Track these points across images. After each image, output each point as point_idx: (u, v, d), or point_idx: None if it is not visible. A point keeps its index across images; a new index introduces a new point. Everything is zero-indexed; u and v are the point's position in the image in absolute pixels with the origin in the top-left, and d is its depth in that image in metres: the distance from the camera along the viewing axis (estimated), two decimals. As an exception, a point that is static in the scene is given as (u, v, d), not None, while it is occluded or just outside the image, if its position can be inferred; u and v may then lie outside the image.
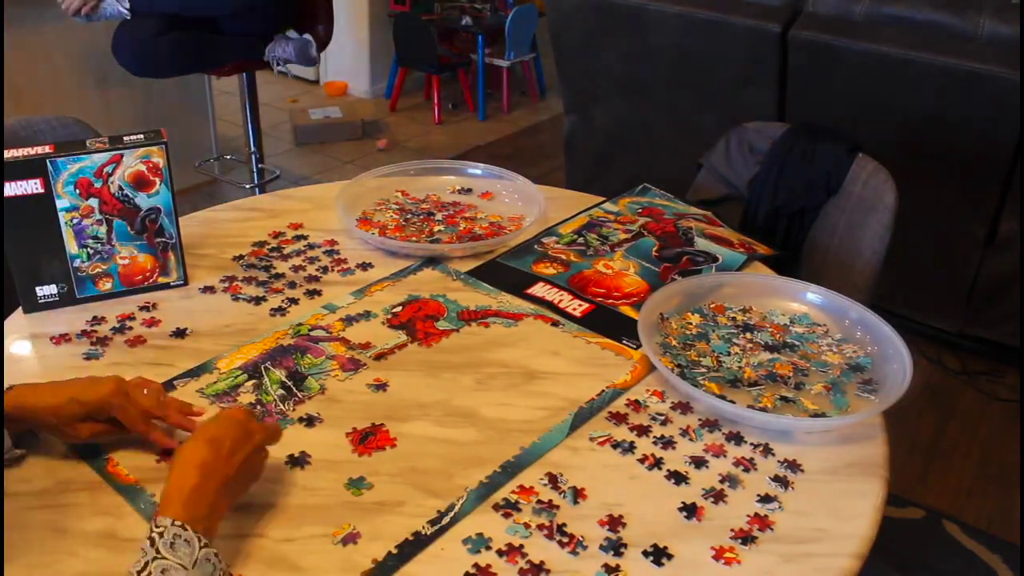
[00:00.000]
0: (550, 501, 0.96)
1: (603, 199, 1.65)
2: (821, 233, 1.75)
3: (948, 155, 2.46)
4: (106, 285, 1.32)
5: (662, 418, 1.10)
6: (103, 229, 1.28)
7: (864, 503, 0.98)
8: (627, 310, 1.32)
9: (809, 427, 1.08)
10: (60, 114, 1.77)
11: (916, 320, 2.70)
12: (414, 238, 1.49)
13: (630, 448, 1.05)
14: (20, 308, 1.28)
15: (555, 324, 1.28)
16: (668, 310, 1.28)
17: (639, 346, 1.21)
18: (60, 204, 1.24)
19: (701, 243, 1.48)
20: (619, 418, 1.09)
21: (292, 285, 1.37)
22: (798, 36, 2.55)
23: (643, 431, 1.07)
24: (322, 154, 4.25)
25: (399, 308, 1.31)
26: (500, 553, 0.90)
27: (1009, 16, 2.35)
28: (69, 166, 1.22)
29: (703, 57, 2.79)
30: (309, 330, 1.25)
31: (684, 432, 1.07)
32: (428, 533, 0.92)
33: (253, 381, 1.14)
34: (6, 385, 0.97)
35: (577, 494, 0.97)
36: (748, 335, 1.25)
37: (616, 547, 0.91)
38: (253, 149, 3.39)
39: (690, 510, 0.96)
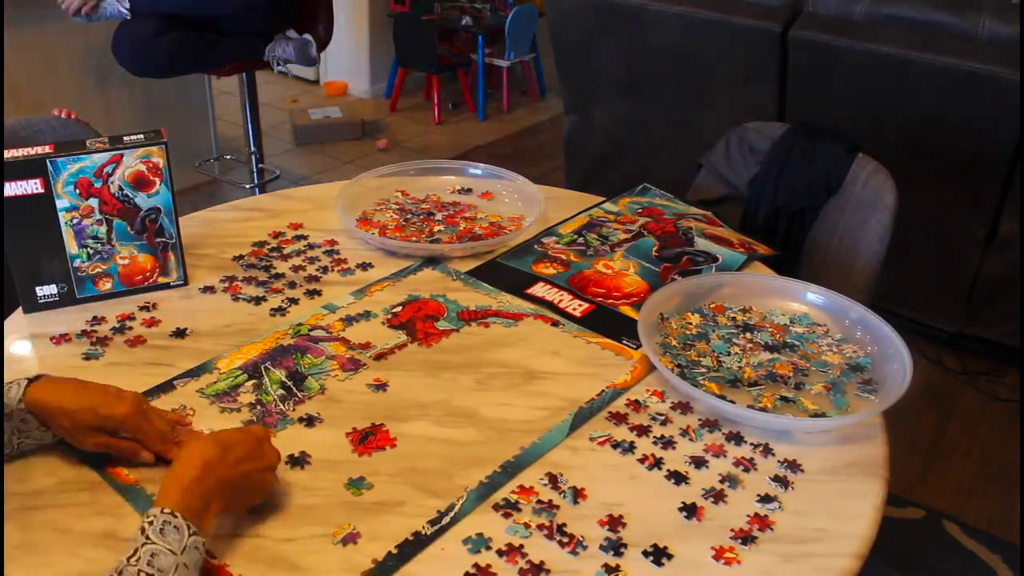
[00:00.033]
0: (550, 501, 0.96)
1: (603, 199, 1.65)
2: (821, 233, 1.75)
3: (948, 155, 2.46)
4: (106, 285, 1.32)
5: (662, 418, 1.10)
6: (103, 229, 1.28)
7: (864, 503, 0.98)
8: (627, 310, 1.32)
9: (809, 427, 1.08)
10: (59, 107, 1.77)
11: (916, 320, 2.70)
12: (414, 238, 1.49)
13: (630, 448, 1.05)
14: (20, 308, 1.28)
15: (555, 324, 1.28)
16: (668, 310, 1.28)
17: (639, 346, 1.21)
18: (60, 204, 1.24)
19: (701, 243, 1.48)
20: (619, 418, 1.09)
21: (292, 285, 1.37)
22: (798, 36, 2.55)
23: (643, 431, 1.07)
24: (322, 154, 4.25)
25: (399, 308, 1.31)
26: (500, 553, 0.90)
27: (1009, 16, 2.35)
28: (69, 166, 1.22)
29: (703, 57, 2.79)
30: (309, 330, 1.25)
31: (684, 432, 1.07)
32: (428, 533, 0.92)
33: (253, 381, 1.14)
34: (35, 373, 0.98)
35: (577, 494, 0.97)
36: (748, 335, 1.25)
37: (616, 547, 0.91)
38: (253, 149, 3.39)
39: (690, 510, 0.96)
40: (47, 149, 1.22)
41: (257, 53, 3.01)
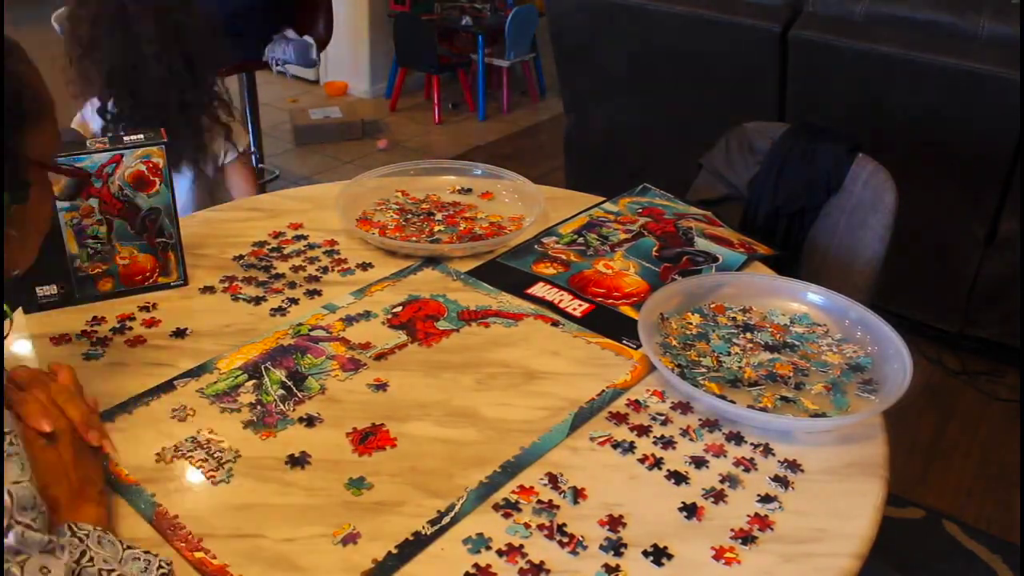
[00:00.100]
0: (550, 501, 0.96)
1: (603, 199, 1.65)
2: (821, 233, 1.76)
3: (948, 155, 2.46)
4: (106, 285, 1.32)
5: (662, 418, 1.10)
6: (103, 229, 1.28)
7: (864, 503, 0.98)
8: (627, 310, 1.32)
9: (809, 427, 1.08)
10: (60, 114, 1.77)
11: (916, 320, 2.70)
12: (414, 238, 1.49)
13: (630, 448, 1.05)
14: (20, 308, 1.28)
15: (555, 324, 1.28)
16: (668, 310, 1.28)
17: (639, 346, 1.21)
18: (60, 204, 1.24)
19: (701, 243, 1.48)
20: (619, 418, 1.09)
21: (292, 285, 1.37)
22: (798, 36, 2.55)
23: (643, 431, 1.07)
24: (322, 154, 4.25)
25: (399, 308, 1.31)
26: (500, 553, 0.90)
27: (1009, 16, 2.35)
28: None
29: (703, 57, 2.79)
30: (309, 330, 1.25)
31: (684, 432, 1.07)
32: (428, 533, 0.92)
33: (253, 381, 1.14)
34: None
35: (577, 494, 0.97)
36: (748, 335, 1.25)
37: (616, 547, 0.91)
38: (253, 149, 3.39)
39: (690, 510, 0.96)
40: (47, 149, 1.22)
41: (257, 53, 3.01)
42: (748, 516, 0.95)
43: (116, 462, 0.99)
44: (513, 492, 0.97)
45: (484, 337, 1.25)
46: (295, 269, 1.41)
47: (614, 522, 0.94)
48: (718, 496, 0.98)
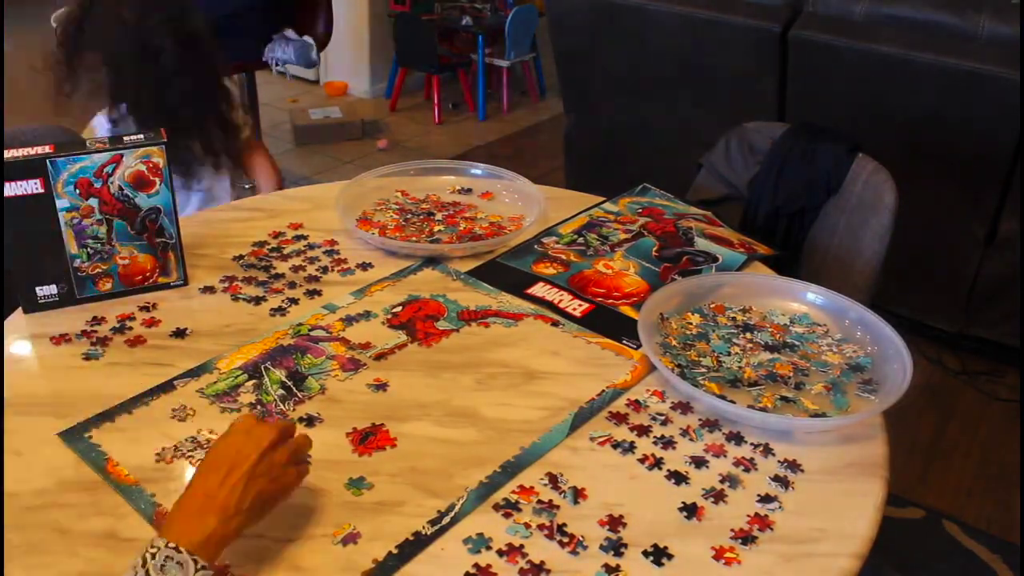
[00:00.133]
0: (550, 501, 0.96)
1: (603, 199, 1.65)
2: (821, 233, 1.76)
3: (948, 155, 2.46)
4: (106, 285, 1.32)
5: (662, 418, 1.10)
6: (103, 229, 1.28)
7: (864, 503, 0.98)
8: (627, 310, 1.32)
9: (809, 427, 1.08)
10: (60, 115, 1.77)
11: (916, 320, 2.70)
12: (414, 238, 1.49)
13: (630, 448, 1.05)
14: (20, 308, 1.28)
15: (555, 324, 1.28)
16: (668, 310, 1.28)
17: (639, 346, 1.21)
18: (60, 204, 1.24)
19: (701, 243, 1.48)
20: (619, 418, 1.09)
21: (292, 285, 1.37)
22: (798, 36, 2.55)
23: (643, 431, 1.07)
24: (322, 154, 4.25)
25: (399, 308, 1.31)
26: (500, 553, 0.90)
27: (1009, 16, 2.35)
28: (69, 166, 1.22)
29: (703, 57, 2.79)
30: (309, 330, 1.25)
31: (684, 432, 1.07)
32: (428, 533, 0.92)
33: (253, 381, 1.14)
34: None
35: (577, 494, 0.97)
36: (748, 335, 1.25)
37: (616, 547, 0.91)
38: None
39: (690, 510, 0.96)
40: (47, 149, 1.22)
41: (256, 54, 3.01)
42: (748, 516, 0.95)
43: (116, 462, 0.99)
44: (513, 492, 0.97)
45: (484, 337, 1.25)
46: (295, 269, 1.41)
47: (614, 522, 0.94)
48: (718, 496, 0.98)
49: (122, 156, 1.25)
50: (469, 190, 1.67)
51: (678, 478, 1.00)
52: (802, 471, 1.02)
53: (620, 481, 1.00)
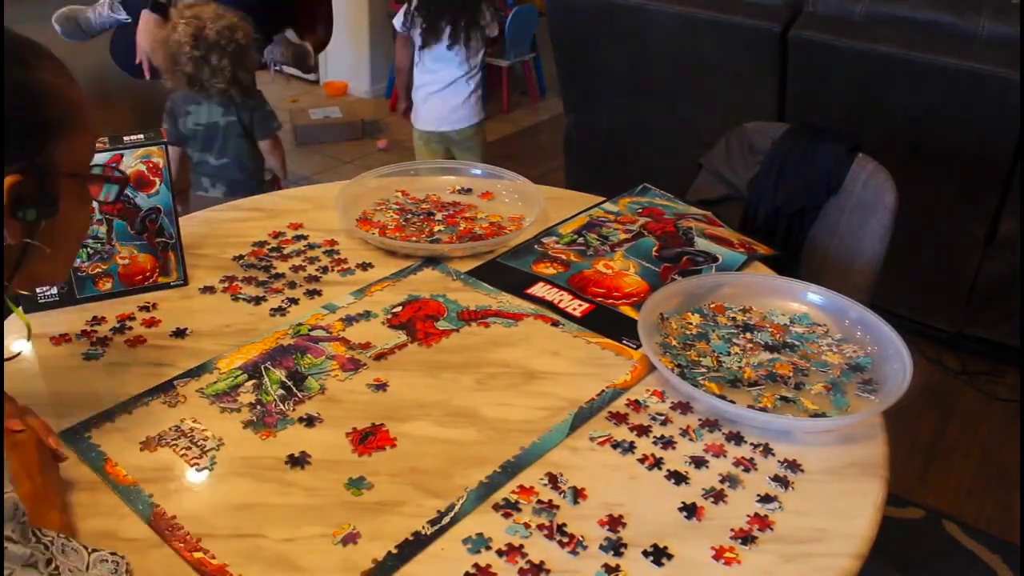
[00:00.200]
0: (550, 501, 0.96)
1: (603, 199, 1.65)
2: (821, 233, 1.75)
3: (948, 155, 2.46)
4: (106, 285, 1.32)
5: (662, 418, 1.10)
6: (103, 229, 1.28)
7: (864, 503, 0.98)
8: (627, 310, 1.32)
9: (809, 427, 1.08)
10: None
11: (916, 320, 2.70)
12: (414, 238, 1.49)
13: (630, 448, 1.05)
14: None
15: (555, 324, 1.28)
16: (668, 310, 1.28)
17: (639, 346, 1.21)
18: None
19: (701, 243, 1.48)
20: (619, 418, 1.09)
21: (292, 285, 1.37)
22: (798, 36, 2.55)
23: (643, 431, 1.07)
24: (322, 154, 4.24)
25: (399, 308, 1.31)
26: (500, 553, 0.90)
27: (1009, 16, 2.35)
28: (69, 166, 1.22)
29: (703, 57, 2.79)
30: (309, 330, 1.25)
31: (684, 432, 1.07)
32: (428, 533, 0.92)
33: (253, 381, 1.14)
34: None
35: (577, 494, 0.97)
36: (748, 335, 1.25)
37: (616, 547, 0.91)
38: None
39: (690, 510, 0.96)
40: (47, 149, 1.22)
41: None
42: (748, 516, 0.95)
43: (115, 462, 0.99)
44: (513, 492, 0.97)
45: (484, 337, 1.25)
46: (295, 269, 1.41)
47: (614, 522, 0.94)
48: (718, 496, 0.98)
49: (122, 156, 1.25)
50: (469, 190, 1.67)
51: (678, 478, 1.00)
52: (802, 471, 1.02)
53: (620, 481, 1.00)
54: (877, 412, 1.08)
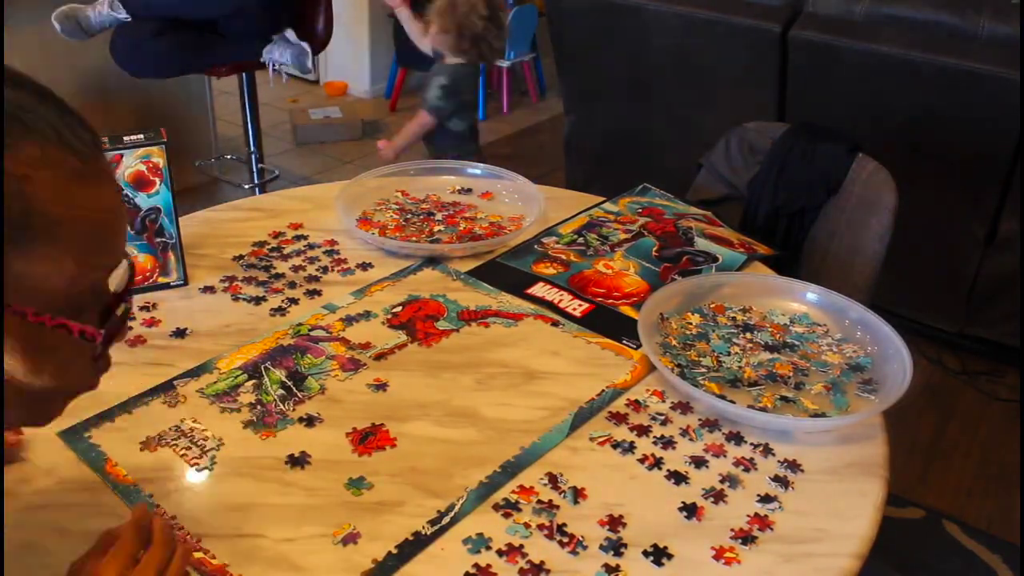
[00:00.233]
0: (550, 501, 0.96)
1: (603, 199, 1.65)
2: (821, 233, 1.76)
3: (948, 155, 2.46)
4: (106, 285, 1.31)
5: (662, 418, 1.10)
6: (103, 229, 1.28)
7: (864, 503, 0.98)
8: (627, 310, 1.32)
9: (809, 427, 1.08)
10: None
11: (916, 320, 2.70)
12: (414, 238, 1.49)
13: (630, 448, 1.05)
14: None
15: (555, 324, 1.28)
16: (668, 310, 1.28)
17: (639, 346, 1.21)
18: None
19: (701, 243, 1.48)
20: (619, 418, 1.09)
21: (292, 285, 1.37)
22: (798, 36, 2.55)
23: (643, 431, 1.07)
24: (322, 154, 4.24)
25: (399, 308, 1.31)
26: (500, 553, 0.90)
27: (1009, 16, 2.35)
28: (69, 166, 1.22)
29: (703, 57, 2.79)
30: (309, 330, 1.25)
31: (684, 432, 1.07)
32: (428, 533, 0.92)
33: (253, 381, 1.14)
34: None
35: (577, 494, 0.97)
36: (748, 335, 1.25)
37: (616, 547, 0.91)
38: (253, 149, 3.39)
39: (690, 510, 0.96)
40: (47, 149, 1.22)
41: (255, 54, 3.01)
42: (748, 516, 0.95)
43: (115, 462, 0.99)
44: (513, 492, 0.97)
45: (484, 337, 1.25)
46: (295, 269, 1.41)
47: (614, 522, 0.94)
48: (718, 496, 0.98)
49: (122, 156, 1.25)
50: (469, 190, 1.67)
51: (678, 478, 1.00)
52: (802, 471, 1.02)
53: (620, 481, 1.00)
54: (877, 412, 1.08)
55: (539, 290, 1.36)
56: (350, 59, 5.00)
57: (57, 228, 0.59)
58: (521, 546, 0.91)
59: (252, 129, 3.34)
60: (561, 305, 1.33)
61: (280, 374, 1.16)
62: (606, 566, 0.88)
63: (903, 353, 1.15)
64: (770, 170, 1.81)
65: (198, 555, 0.88)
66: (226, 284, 1.37)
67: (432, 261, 1.44)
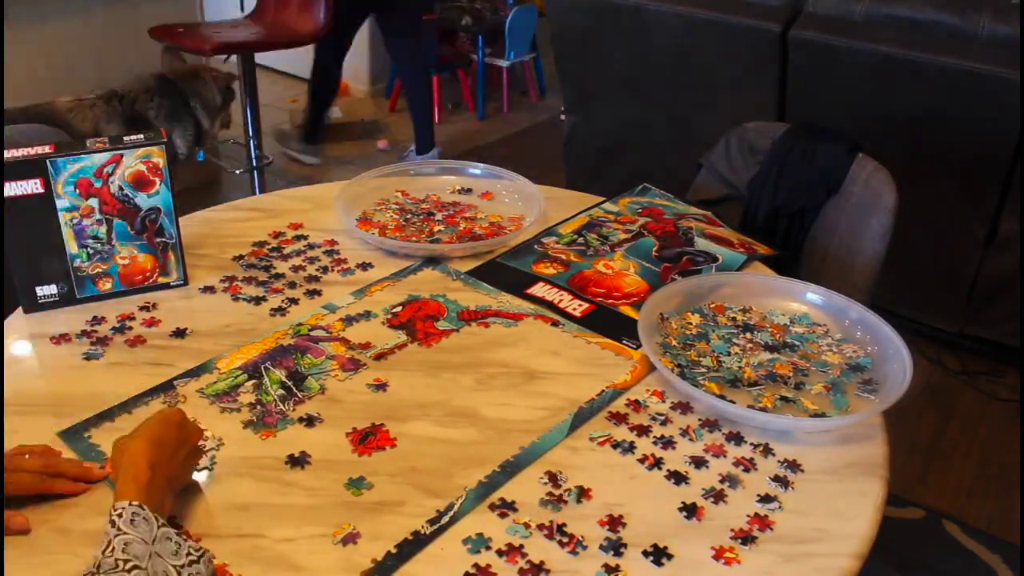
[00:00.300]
0: (550, 501, 0.96)
1: (603, 199, 1.65)
2: (821, 233, 1.75)
3: (948, 155, 2.46)
4: (106, 285, 1.32)
5: (662, 418, 1.10)
6: (103, 229, 1.28)
7: (864, 503, 0.98)
8: (627, 310, 1.32)
9: (809, 427, 1.08)
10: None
11: (916, 320, 2.70)
12: (414, 238, 1.49)
13: (630, 448, 1.05)
14: (20, 308, 1.28)
15: (555, 324, 1.28)
16: (668, 310, 1.28)
17: (639, 346, 1.21)
18: (60, 204, 1.24)
19: (701, 243, 1.48)
20: (619, 418, 1.09)
21: (292, 285, 1.37)
22: (798, 36, 2.55)
23: (643, 431, 1.07)
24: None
25: (399, 308, 1.31)
26: (500, 553, 0.90)
27: (1009, 16, 2.35)
28: (69, 166, 1.22)
29: (703, 57, 2.79)
30: (309, 330, 1.25)
31: (684, 432, 1.07)
32: (428, 533, 0.92)
33: (253, 381, 1.14)
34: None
35: (582, 494, 0.97)
36: (748, 335, 1.25)
37: (616, 547, 0.91)
38: (253, 149, 3.38)
39: (690, 510, 0.96)
40: (47, 149, 1.22)
41: None
42: (748, 516, 0.95)
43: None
44: (513, 492, 0.97)
45: (484, 337, 1.25)
46: (295, 269, 1.41)
47: (614, 522, 0.94)
48: (718, 496, 0.98)
49: (122, 156, 1.25)
50: (469, 190, 1.67)
51: (678, 478, 1.00)
52: (802, 471, 1.02)
53: (620, 481, 1.00)
54: (877, 412, 1.08)
55: (539, 290, 1.36)
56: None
57: None
58: (521, 546, 0.91)
59: (252, 128, 3.33)
60: (561, 305, 1.33)
61: (280, 374, 1.16)
62: (606, 566, 0.88)
63: (903, 353, 1.15)
64: (770, 170, 1.81)
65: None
66: (226, 284, 1.37)
67: (432, 261, 1.44)
